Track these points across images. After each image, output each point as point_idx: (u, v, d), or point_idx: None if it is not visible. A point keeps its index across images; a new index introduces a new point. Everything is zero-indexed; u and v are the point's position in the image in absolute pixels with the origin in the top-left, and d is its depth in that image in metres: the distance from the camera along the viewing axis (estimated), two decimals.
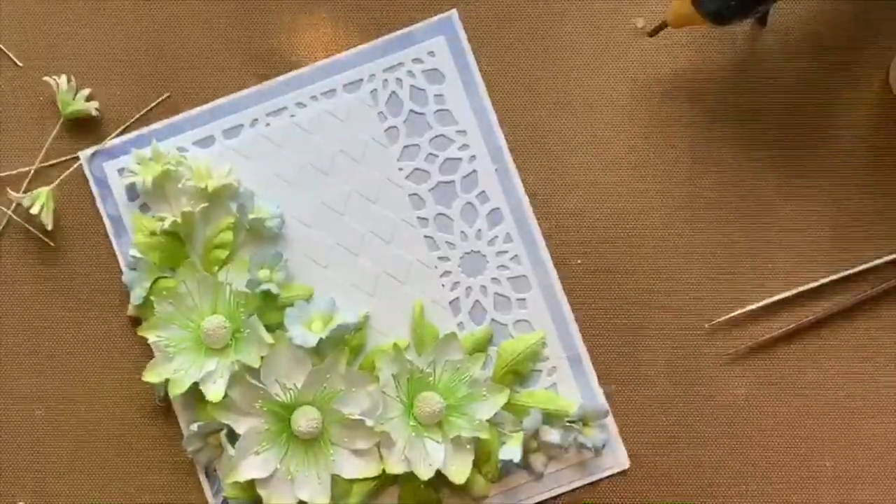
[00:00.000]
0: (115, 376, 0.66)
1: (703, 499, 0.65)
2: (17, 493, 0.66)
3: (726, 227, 0.66)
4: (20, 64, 0.67)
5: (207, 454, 0.64)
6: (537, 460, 0.64)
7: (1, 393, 0.66)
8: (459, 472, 0.62)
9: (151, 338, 0.63)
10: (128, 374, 0.66)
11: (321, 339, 0.62)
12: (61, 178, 0.67)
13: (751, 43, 0.67)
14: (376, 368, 0.63)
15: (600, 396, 0.65)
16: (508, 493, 0.65)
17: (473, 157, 0.66)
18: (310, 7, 0.67)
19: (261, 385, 0.62)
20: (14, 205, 0.66)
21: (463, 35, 0.67)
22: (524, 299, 0.66)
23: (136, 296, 0.64)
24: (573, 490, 0.65)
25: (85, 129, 0.67)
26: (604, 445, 0.64)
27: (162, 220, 0.64)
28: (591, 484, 0.65)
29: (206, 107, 0.67)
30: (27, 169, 0.67)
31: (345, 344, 0.64)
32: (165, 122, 0.67)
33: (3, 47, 0.67)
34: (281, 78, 0.67)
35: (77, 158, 0.67)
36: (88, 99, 0.67)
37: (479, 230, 0.66)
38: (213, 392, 0.62)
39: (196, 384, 0.62)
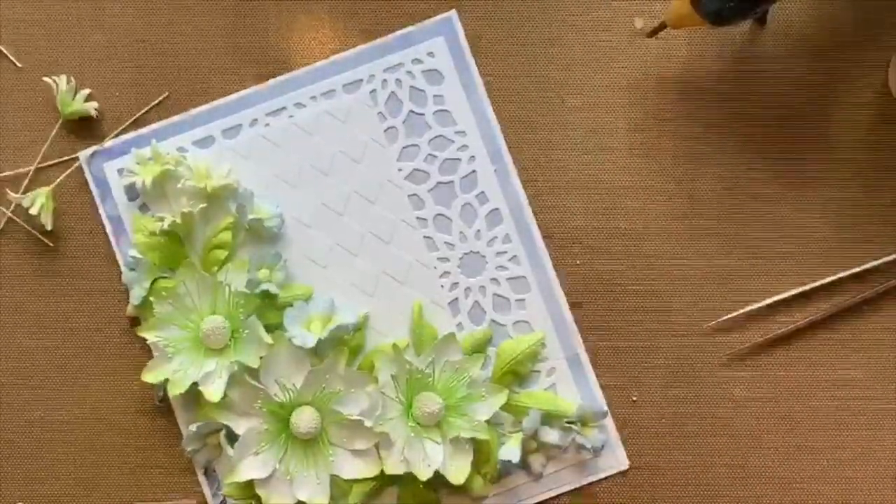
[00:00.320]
0: (114, 376, 0.66)
1: (703, 499, 0.65)
2: (17, 493, 0.66)
3: (726, 227, 0.66)
4: (20, 64, 0.67)
5: (206, 454, 0.64)
6: (536, 461, 0.64)
7: (0, 393, 0.66)
8: (458, 472, 0.62)
9: (151, 338, 0.63)
10: (127, 375, 0.66)
11: (320, 340, 0.62)
12: (61, 178, 0.67)
13: (750, 43, 0.67)
14: (375, 369, 0.63)
15: (600, 397, 0.65)
16: (507, 494, 0.65)
17: (473, 157, 0.66)
18: (309, 7, 0.67)
19: (260, 385, 0.62)
20: (13, 205, 0.66)
21: (462, 36, 0.67)
22: (523, 300, 0.66)
23: (136, 296, 0.64)
24: (572, 490, 0.65)
25: (84, 129, 0.67)
26: (603, 446, 0.64)
27: (161, 220, 0.64)
28: (591, 484, 0.65)
29: (205, 107, 0.67)
30: (27, 169, 0.67)
31: (344, 344, 0.64)
32: (165, 122, 0.67)
33: (2, 48, 0.67)
34: (280, 78, 0.67)
35: (76, 159, 0.67)
36: (88, 99, 0.67)
37: (479, 231, 0.66)
38: (213, 392, 0.62)
39: (195, 384, 0.62)
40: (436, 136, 0.66)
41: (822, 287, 0.66)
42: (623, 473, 0.65)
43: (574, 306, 0.66)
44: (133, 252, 0.65)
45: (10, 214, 0.67)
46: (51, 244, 0.67)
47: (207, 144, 0.67)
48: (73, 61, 0.67)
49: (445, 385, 0.63)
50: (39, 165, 0.67)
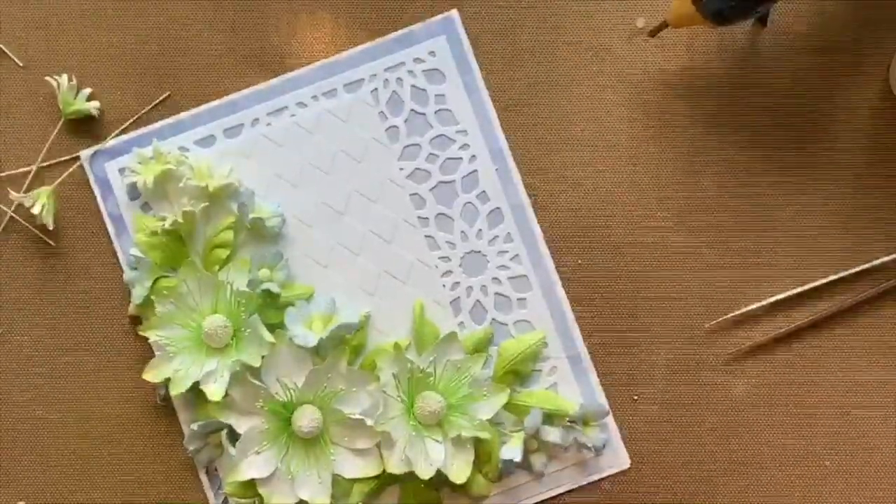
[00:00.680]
0: (115, 375, 0.66)
1: (703, 498, 0.65)
2: (18, 493, 0.66)
3: (726, 227, 0.66)
4: (21, 64, 0.67)
5: (208, 453, 0.64)
6: (538, 460, 0.64)
7: (1, 392, 0.66)
8: (460, 471, 0.62)
9: (152, 337, 0.63)
10: (128, 374, 0.66)
11: (322, 339, 0.62)
12: (62, 177, 0.67)
13: (751, 43, 0.67)
14: (377, 368, 0.63)
15: (601, 396, 0.65)
16: (509, 493, 0.65)
17: (474, 156, 0.66)
18: (310, 6, 0.67)
19: (261, 384, 0.62)
20: (15, 205, 0.66)
21: (464, 35, 0.67)
22: (524, 299, 0.66)
23: (137, 295, 0.64)
24: (573, 490, 0.65)
25: (86, 128, 0.67)
26: (604, 445, 0.64)
27: (163, 219, 0.64)
28: (592, 484, 0.65)
29: (206, 106, 0.67)
30: (28, 169, 0.67)
31: (345, 343, 0.64)
32: (166, 121, 0.67)
33: (3, 47, 0.67)
34: (282, 77, 0.67)
35: (78, 158, 0.67)
36: (89, 98, 0.67)
37: (480, 230, 0.66)
38: (214, 391, 0.62)
39: (197, 383, 0.62)
40: (437, 136, 0.66)
41: (822, 287, 0.66)
42: (624, 472, 0.65)
43: (575, 305, 0.66)
44: (134, 251, 0.65)
45: (11, 214, 0.67)
46: (52, 243, 0.67)
47: (209, 144, 0.67)
48: (75, 60, 0.67)
49: (447, 384, 0.63)
50: (41, 165, 0.67)
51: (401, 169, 0.66)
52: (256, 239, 0.65)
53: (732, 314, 0.66)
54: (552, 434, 0.64)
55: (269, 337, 0.62)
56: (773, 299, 0.66)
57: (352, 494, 0.63)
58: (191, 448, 0.64)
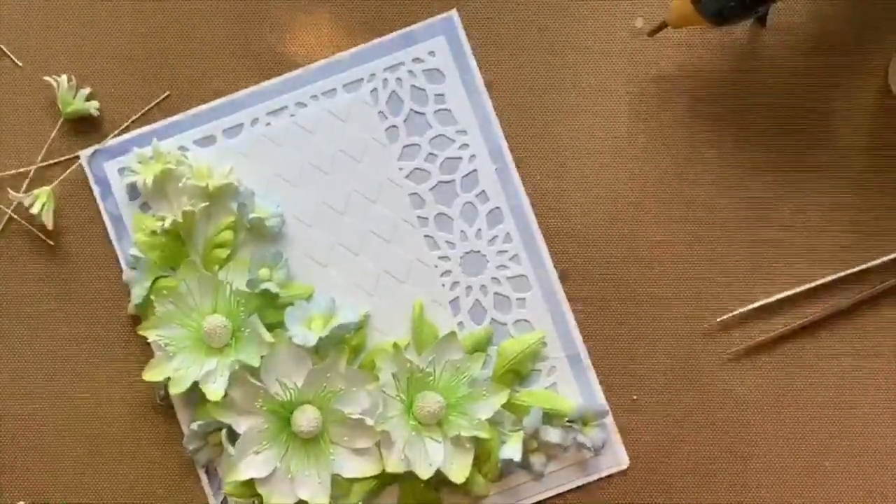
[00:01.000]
0: (115, 375, 0.66)
1: (703, 497, 0.65)
2: (18, 493, 0.66)
3: (726, 226, 0.66)
4: (20, 64, 0.67)
5: (207, 453, 0.64)
6: (537, 460, 0.64)
7: (1, 392, 0.66)
8: (459, 471, 0.62)
9: (152, 337, 0.63)
10: (128, 373, 0.66)
11: (321, 339, 0.62)
12: (62, 177, 0.67)
13: (751, 43, 0.67)
14: (376, 368, 0.63)
15: (600, 396, 0.65)
16: (508, 493, 0.65)
17: (473, 156, 0.66)
18: (310, 6, 0.67)
19: (261, 384, 0.62)
20: (14, 204, 0.66)
21: (463, 35, 0.67)
22: (524, 299, 0.66)
23: (137, 295, 0.64)
24: (573, 490, 0.65)
25: (85, 128, 0.67)
26: (603, 445, 0.64)
27: (162, 219, 0.64)
28: (591, 483, 0.65)
29: (206, 106, 0.67)
30: (27, 168, 0.67)
31: (345, 343, 0.64)
32: (166, 121, 0.67)
33: (3, 47, 0.67)
34: (281, 77, 0.67)
35: (77, 158, 0.67)
36: (89, 98, 0.67)
37: (479, 230, 0.66)
38: (214, 391, 0.62)
39: (196, 383, 0.62)
40: (436, 135, 0.66)
41: (822, 287, 0.66)
42: (623, 472, 0.65)
43: (574, 305, 0.66)
44: (134, 251, 0.65)
45: (10, 213, 0.67)
46: (52, 243, 0.67)
47: (208, 143, 0.67)
48: (74, 60, 0.67)
49: (446, 384, 0.63)
50: (40, 165, 0.67)
51: (400, 169, 0.66)
52: (256, 239, 0.65)
53: (732, 314, 0.66)
54: (551, 434, 0.64)
55: (268, 336, 0.62)
56: (772, 299, 0.66)
57: (351, 494, 0.63)
58: (190, 448, 0.64)
